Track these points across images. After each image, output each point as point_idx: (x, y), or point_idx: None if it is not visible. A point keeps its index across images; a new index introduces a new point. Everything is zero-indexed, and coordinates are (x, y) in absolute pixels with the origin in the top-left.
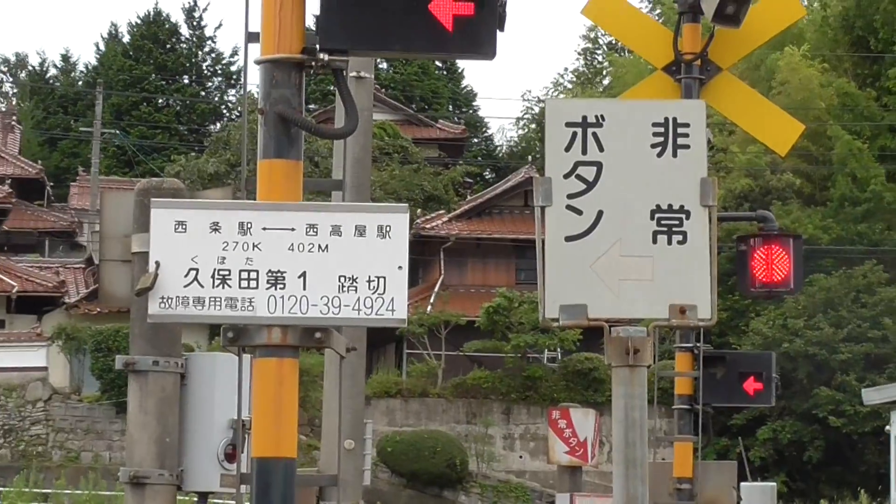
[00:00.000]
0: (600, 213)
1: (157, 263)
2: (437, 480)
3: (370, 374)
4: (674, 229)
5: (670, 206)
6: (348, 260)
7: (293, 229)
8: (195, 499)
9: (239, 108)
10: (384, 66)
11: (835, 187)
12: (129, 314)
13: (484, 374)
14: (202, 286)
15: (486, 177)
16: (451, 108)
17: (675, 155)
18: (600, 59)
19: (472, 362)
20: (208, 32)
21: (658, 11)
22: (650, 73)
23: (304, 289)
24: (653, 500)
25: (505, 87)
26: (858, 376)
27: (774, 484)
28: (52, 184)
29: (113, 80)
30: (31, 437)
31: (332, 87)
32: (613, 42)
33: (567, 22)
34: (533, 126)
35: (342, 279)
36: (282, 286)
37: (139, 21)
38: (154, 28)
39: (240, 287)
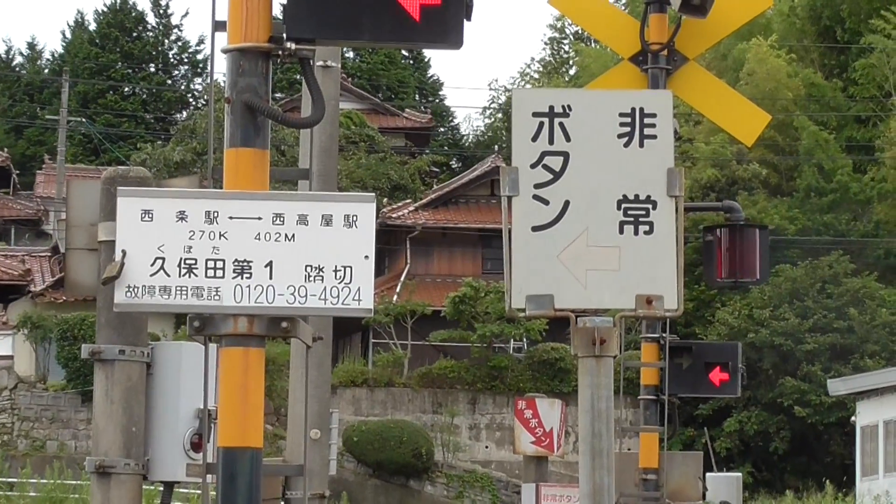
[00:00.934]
0: (567, 203)
1: (124, 252)
2: (403, 470)
3: (336, 364)
4: (640, 219)
5: (637, 196)
6: (315, 249)
7: (260, 218)
8: (161, 488)
9: (205, 97)
10: (351, 55)
11: (801, 178)
12: (95, 303)
13: (450, 363)
14: (168, 275)
15: (453, 166)
16: (417, 97)
17: (641, 145)
18: (567, 48)
19: (438, 352)
20: (175, 21)
21: (624, 1)
22: (617, 63)
23: (271, 278)
24: (619, 491)
25: (472, 76)
26: (824, 367)
27: (740, 474)
28: (17, 172)
29: (79, 68)
30: None
31: (298, 76)
32: (580, 32)
33: (534, 11)
34: (500, 115)
35: (309, 269)
36: (248, 275)
37: (105, 9)
38: (120, 16)
39: (206, 276)
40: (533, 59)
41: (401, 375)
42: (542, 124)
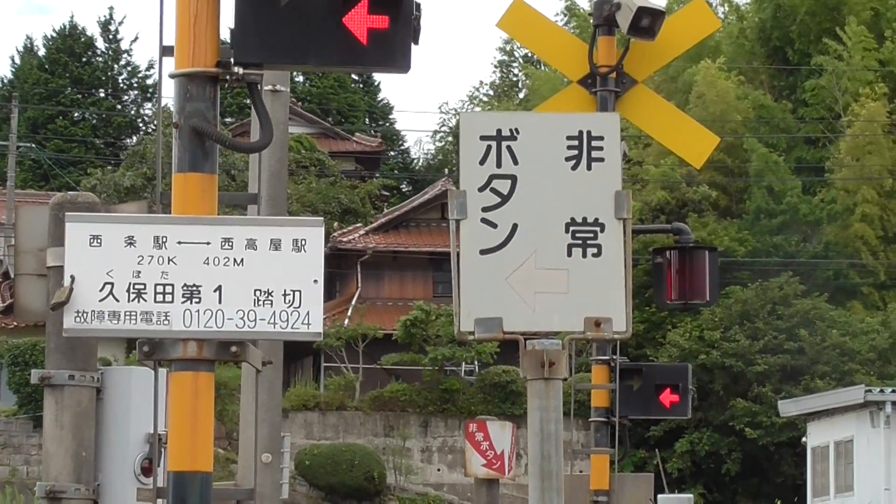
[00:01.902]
0: (515, 227)
1: (72, 277)
2: (355, 493)
3: (287, 388)
4: (588, 242)
5: (585, 219)
6: (264, 274)
7: (208, 243)
8: None
9: (155, 122)
10: (300, 79)
11: (751, 199)
12: (45, 328)
13: (401, 386)
14: (117, 300)
15: (403, 190)
16: (367, 120)
17: (589, 168)
18: (516, 71)
19: (390, 375)
20: (124, 46)
21: (573, 24)
22: (566, 86)
23: (220, 302)
24: None
25: (422, 99)
26: (775, 388)
27: (692, 496)
28: None
29: (28, 93)
30: None
31: (248, 101)
32: (529, 55)
33: (483, 35)
34: (450, 139)
35: (258, 293)
36: (197, 300)
37: (55, 34)
38: (70, 41)
39: (155, 301)
40: (482, 82)
41: (352, 399)
42: (489, 148)
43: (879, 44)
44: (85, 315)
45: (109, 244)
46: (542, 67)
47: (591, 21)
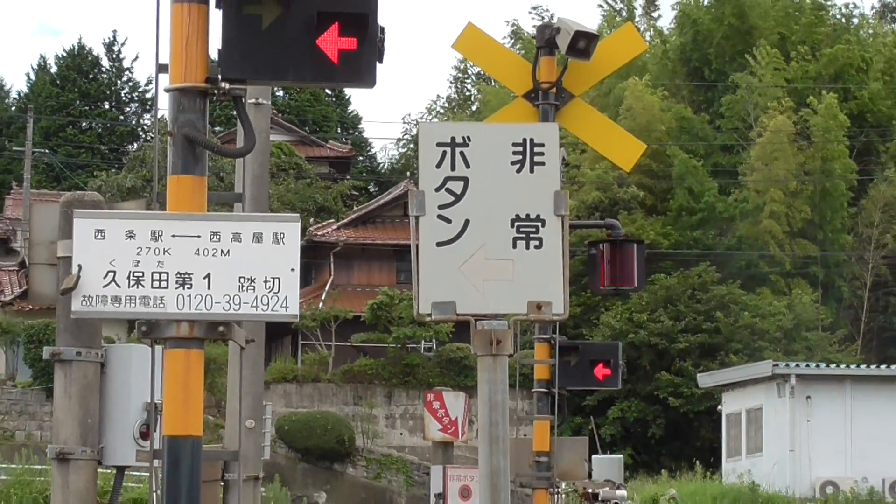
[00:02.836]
0: (467, 222)
1: (80, 266)
2: (328, 455)
3: (269, 362)
4: (531, 236)
5: (528, 215)
6: (247, 263)
7: (199, 236)
8: (114, 471)
9: (152, 131)
10: (281, 93)
11: (673, 199)
12: (56, 311)
13: (369, 362)
14: (119, 286)
15: (371, 190)
16: (339, 129)
17: (532, 171)
18: (470, 87)
19: (359, 352)
20: (126, 64)
21: (518, 46)
22: (512, 100)
23: (209, 288)
24: (515, 472)
25: (387, 111)
26: (694, 363)
27: (621, 457)
28: None
29: (42, 105)
30: None
31: (234, 112)
32: (481, 72)
33: (440, 55)
34: (411, 145)
35: (242, 280)
36: (189, 286)
37: (65, 54)
38: (78, 60)
39: (152, 287)
40: (439, 96)
41: (326, 372)
42: (445, 153)
43: (787, 63)
44: (90, 299)
45: (112, 237)
46: (492, 83)
47: (535, 43)
